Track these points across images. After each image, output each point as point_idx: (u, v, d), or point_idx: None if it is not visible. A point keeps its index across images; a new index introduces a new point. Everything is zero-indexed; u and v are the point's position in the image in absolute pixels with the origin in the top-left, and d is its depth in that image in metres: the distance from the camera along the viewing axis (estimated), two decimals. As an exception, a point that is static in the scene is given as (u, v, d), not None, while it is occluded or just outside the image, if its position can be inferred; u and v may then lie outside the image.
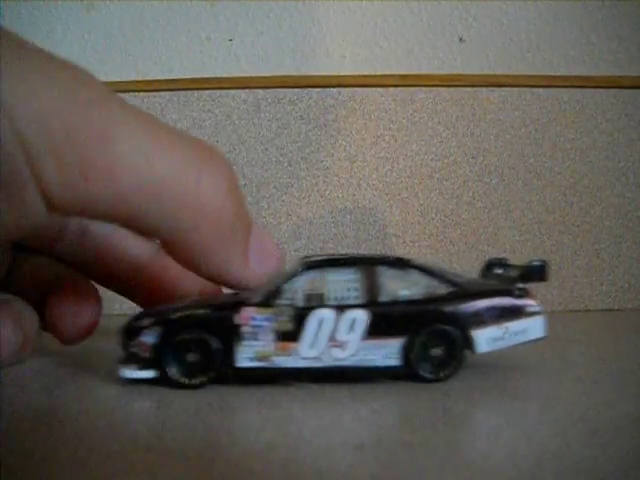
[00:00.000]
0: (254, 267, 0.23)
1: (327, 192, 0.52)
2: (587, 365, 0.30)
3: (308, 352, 0.25)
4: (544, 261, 0.29)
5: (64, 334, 0.26)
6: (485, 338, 0.26)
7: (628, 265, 0.52)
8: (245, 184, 0.52)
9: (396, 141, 0.52)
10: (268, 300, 0.25)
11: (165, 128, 0.20)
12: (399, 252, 0.51)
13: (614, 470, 0.16)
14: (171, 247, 0.22)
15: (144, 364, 0.25)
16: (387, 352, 0.25)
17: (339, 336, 0.25)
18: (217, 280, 0.23)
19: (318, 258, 0.27)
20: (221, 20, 0.53)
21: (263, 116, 0.52)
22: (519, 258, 0.51)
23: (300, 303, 0.26)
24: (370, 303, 0.26)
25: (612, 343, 0.37)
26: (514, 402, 0.23)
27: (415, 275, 0.27)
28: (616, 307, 0.52)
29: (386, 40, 0.53)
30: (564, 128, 0.52)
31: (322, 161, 0.52)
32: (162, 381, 0.24)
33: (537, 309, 0.27)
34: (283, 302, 0.25)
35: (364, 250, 0.51)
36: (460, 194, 0.52)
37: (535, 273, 0.28)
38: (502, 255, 0.51)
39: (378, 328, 0.25)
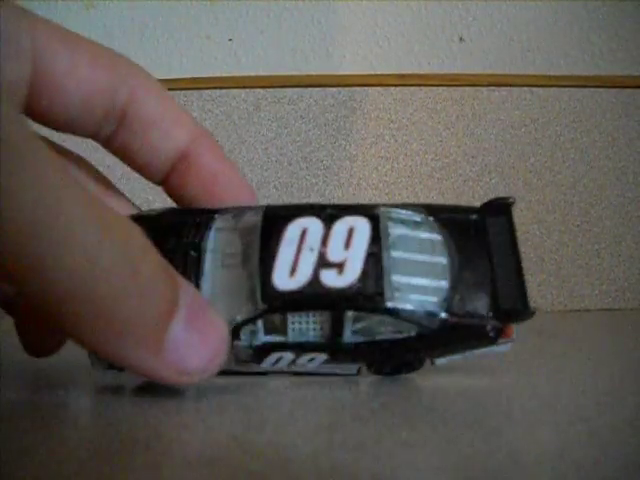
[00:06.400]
0: (171, 362, 0.20)
1: (327, 192, 0.52)
2: (587, 365, 0.30)
3: (267, 369, 0.24)
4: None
5: (33, 347, 0.24)
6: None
7: (628, 265, 0.52)
8: (245, 183, 0.52)
9: (396, 140, 0.52)
10: None
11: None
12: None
13: (614, 470, 0.16)
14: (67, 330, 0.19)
15: None
16: (349, 368, 0.25)
17: (298, 367, 0.24)
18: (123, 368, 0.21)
19: (282, 298, 0.23)
20: (221, 19, 0.53)
21: (263, 116, 0.52)
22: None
23: (260, 342, 0.23)
24: (331, 344, 0.23)
25: (612, 343, 0.37)
26: (513, 401, 0.23)
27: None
28: (616, 307, 0.52)
29: (386, 39, 0.53)
30: (564, 128, 0.52)
31: (322, 161, 0.52)
32: None
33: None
34: (241, 343, 0.23)
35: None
36: (460, 194, 0.52)
37: None
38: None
39: (340, 359, 0.24)
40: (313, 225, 0.23)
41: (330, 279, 0.23)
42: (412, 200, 0.52)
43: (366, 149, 0.52)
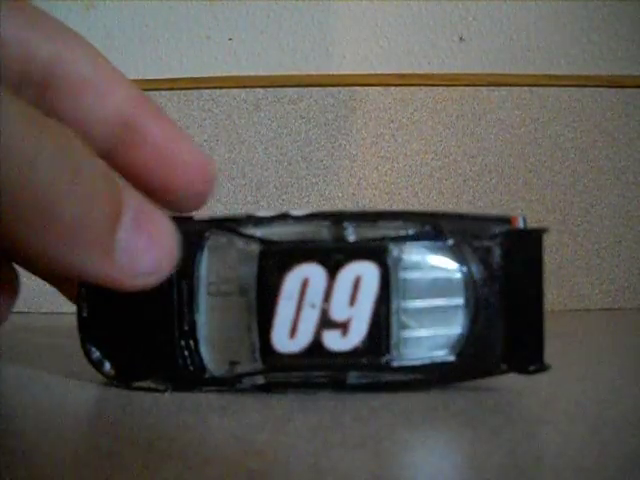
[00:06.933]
0: (123, 264, 0.19)
1: (327, 192, 0.52)
2: (587, 365, 0.30)
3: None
4: None
5: None
6: None
7: (628, 265, 0.52)
8: (245, 184, 0.52)
9: (396, 140, 0.52)
10: (225, 382, 0.23)
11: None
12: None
13: (614, 470, 0.16)
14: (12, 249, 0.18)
15: None
16: None
17: None
18: (78, 279, 0.20)
19: (283, 361, 0.22)
20: (221, 19, 0.53)
21: (263, 115, 0.52)
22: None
23: (262, 381, 0.22)
24: (335, 385, 0.23)
25: (612, 343, 0.37)
26: (514, 401, 0.23)
27: None
28: (616, 306, 0.52)
29: (386, 39, 0.53)
30: (564, 128, 0.52)
31: (322, 161, 0.52)
32: None
33: None
34: (243, 385, 0.22)
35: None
36: (460, 193, 0.52)
37: None
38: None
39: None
40: (315, 275, 0.21)
41: (333, 342, 0.21)
42: (411, 200, 0.52)
43: (366, 149, 0.52)
